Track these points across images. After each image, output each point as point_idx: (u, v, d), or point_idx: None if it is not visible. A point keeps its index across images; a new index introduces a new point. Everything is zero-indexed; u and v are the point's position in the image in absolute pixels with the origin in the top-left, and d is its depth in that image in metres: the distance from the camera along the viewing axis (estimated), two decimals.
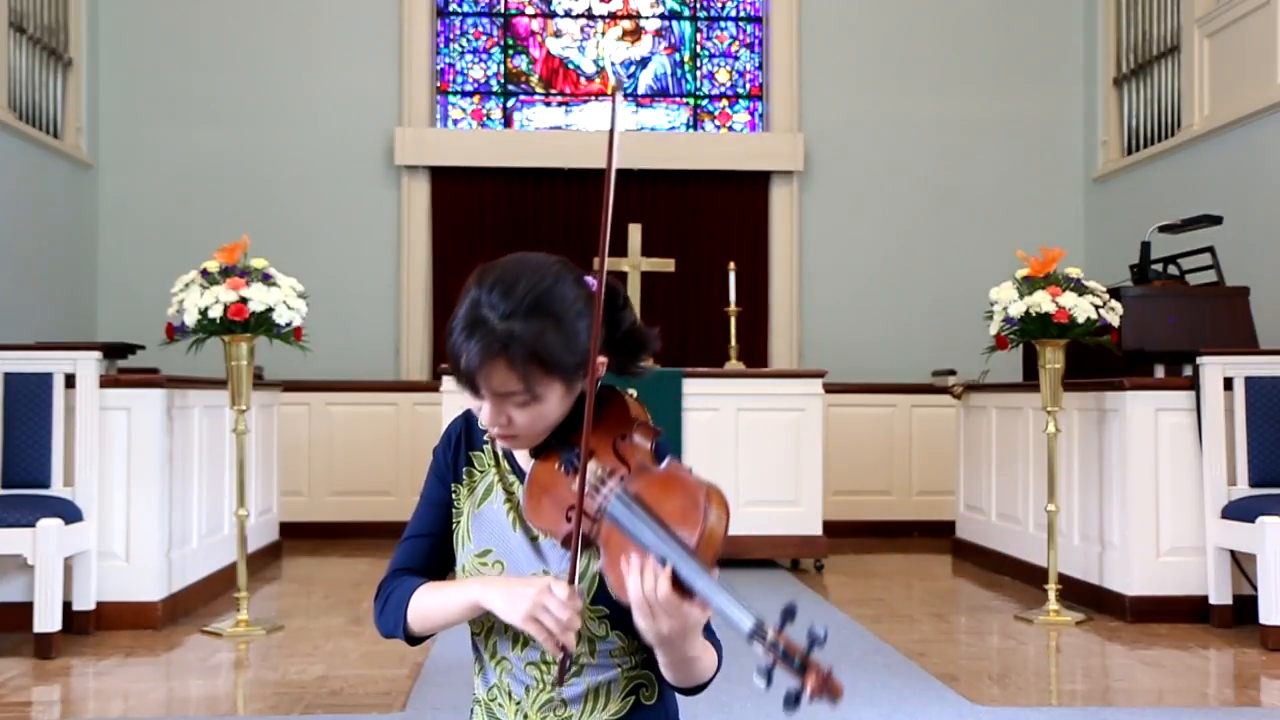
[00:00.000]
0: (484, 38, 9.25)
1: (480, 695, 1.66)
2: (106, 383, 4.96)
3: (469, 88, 9.24)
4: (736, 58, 9.35)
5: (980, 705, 3.85)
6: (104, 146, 8.69)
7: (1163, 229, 6.23)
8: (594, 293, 1.54)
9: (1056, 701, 4.01)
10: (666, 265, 7.26)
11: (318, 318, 5.96)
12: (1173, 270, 6.22)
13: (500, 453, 1.68)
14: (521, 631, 1.57)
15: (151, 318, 6.23)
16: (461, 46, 9.23)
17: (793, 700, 1.25)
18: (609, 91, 1.60)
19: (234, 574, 5.20)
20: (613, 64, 1.62)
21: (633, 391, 1.62)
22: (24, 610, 4.57)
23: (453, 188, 8.93)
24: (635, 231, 7.12)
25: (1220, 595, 5.05)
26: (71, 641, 4.66)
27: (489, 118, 9.23)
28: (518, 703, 1.61)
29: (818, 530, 6.48)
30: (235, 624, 4.93)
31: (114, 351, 6.06)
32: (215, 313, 4.69)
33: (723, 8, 9.35)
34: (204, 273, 4.79)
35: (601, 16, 9.31)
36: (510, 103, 9.25)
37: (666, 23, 9.36)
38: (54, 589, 4.47)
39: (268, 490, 6.91)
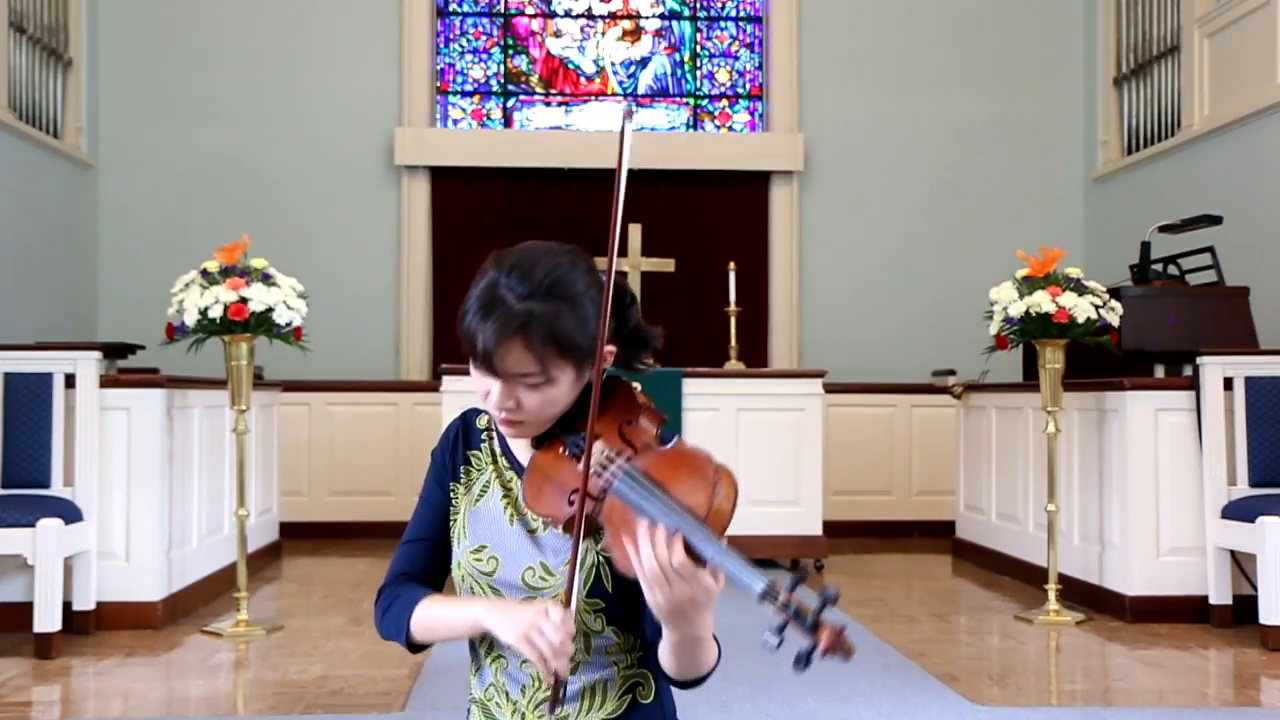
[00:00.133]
0: (484, 38, 9.25)
1: (477, 695, 1.66)
2: (106, 383, 4.96)
3: (469, 88, 9.24)
4: (736, 58, 9.35)
5: (980, 705, 3.85)
6: (104, 146, 8.69)
7: (1163, 229, 6.23)
8: (616, 277, 1.57)
9: (1056, 701, 4.01)
10: (666, 265, 7.26)
11: (318, 318, 5.96)
12: (1173, 270, 6.21)
13: (498, 450, 1.68)
14: None
15: (151, 318, 6.23)
16: (461, 46, 9.23)
17: (804, 659, 1.27)
18: (621, 121, 1.61)
19: (234, 574, 5.20)
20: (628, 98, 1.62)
21: (637, 385, 1.63)
22: (24, 610, 4.57)
23: (453, 188, 8.93)
24: (635, 231, 7.12)
25: (1220, 595, 5.05)
26: (71, 641, 4.66)
27: (489, 118, 9.23)
28: (514, 702, 1.61)
29: (818, 530, 6.47)
30: (235, 624, 4.93)
31: (114, 351, 6.05)
32: (215, 313, 4.69)
33: (723, 8, 9.35)
34: (204, 273, 4.79)
35: (601, 16, 9.32)
36: (510, 103, 9.25)
37: (666, 23, 9.36)
38: (54, 589, 4.47)
39: (268, 490, 6.91)
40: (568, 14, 9.30)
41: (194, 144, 8.74)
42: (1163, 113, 8.20)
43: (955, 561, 7.10)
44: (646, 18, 9.34)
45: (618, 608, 1.59)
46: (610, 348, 1.59)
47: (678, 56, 9.36)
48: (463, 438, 1.71)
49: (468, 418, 1.73)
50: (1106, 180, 8.90)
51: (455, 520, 1.67)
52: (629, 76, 9.31)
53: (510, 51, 9.27)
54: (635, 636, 1.62)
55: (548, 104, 9.27)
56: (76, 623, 4.77)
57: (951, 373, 7.90)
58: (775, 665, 4.33)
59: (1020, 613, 5.42)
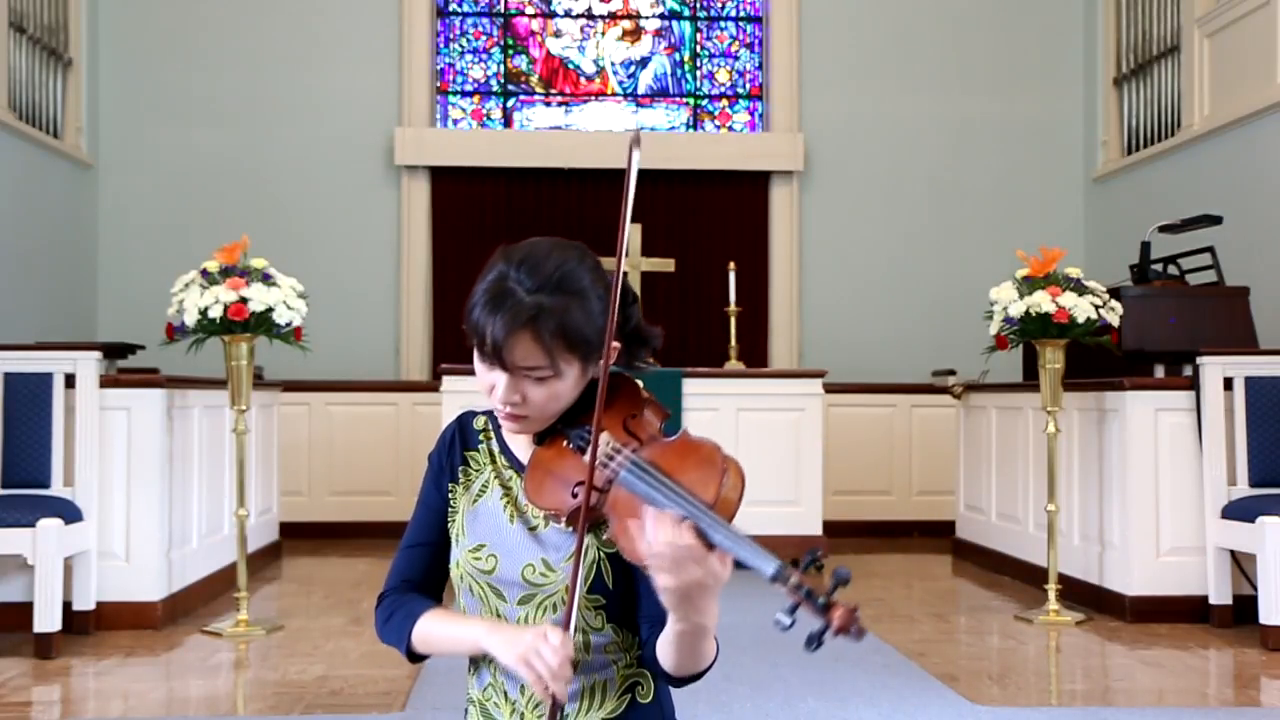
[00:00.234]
0: (484, 38, 9.25)
1: (474, 695, 1.66)
2: (106, 383, 4.96)
3: (469, 88, 9.24)
4: (736, 58, 9.35)
5: (980, 705, 3.85)
6: (104, 146, 8.69)
7: (1163, 229, 6.23)
8: (610, 277, 1.58)
9: (1056, 701, 4.01)
10: (666, 265, 7.26)
11: (318, 318, 5.96)
12: (1173, 270, 6.21)
13: (496, 449, 1.69)
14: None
15: (151, 318, 6.23)
16: (461, 46, 9.23)
17: (816, 639, 1.27)
18: (629, 145, 1.62)
19: (234, 574, 5.20)
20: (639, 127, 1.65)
21: (639, 382, 1.64)
22: (24, 610, 4.57)
23: (453, 188, 8.93)
24: (635, 231, 7.13)
25: (1220, 595, 5.05)
26: (71, 641, 4.66)
27: (489, 118, 9.23)
28: (513, 702, 1.61)
29: (818, 530, 6.48)
30: (235, 624, 4.93)
31: (114, 351, 6.05)
32: (215, 313, 4.69)
33: (723, 8, 9.35)
34: (204, 273, 4.79)
35: (601, 16, 9.32)
36: (510, 103, 9.25)
37: (666, 23, 9.36)
38: (54, 589, 4.47)
39: (268, 490, 6.91)
40: (568, 14, 9.31)
41: (194, 144, 8.74)
42: (1163, 113, 8.20)
43: (955, 561, 7.11)
44: (646, 18, 9.35)
45: (617, 605, 1.60)
46: (615, 344, 1.59)
47: (678, 56, 9.36)
48: (459, 439, 1.71)
49: (463, 420, 1.73)
50: (1106, 180, 8.90)
51: (454, 520, 1.67)
52: (629, 76, 9.31)
53: (510, 51, 9.27)
54: (634, 634, 1.63)
55: (548, 104, 9.27)
56: (76, 623, 4.77)
57: (951, 373, 7.90)
58: (775, 665, 4.33)
59: (1020, 613, 5.42)
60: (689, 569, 1.35)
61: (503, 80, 9.26)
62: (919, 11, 9.11)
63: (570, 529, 1.53)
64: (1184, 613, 5.17)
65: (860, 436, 8.21)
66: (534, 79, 9.29)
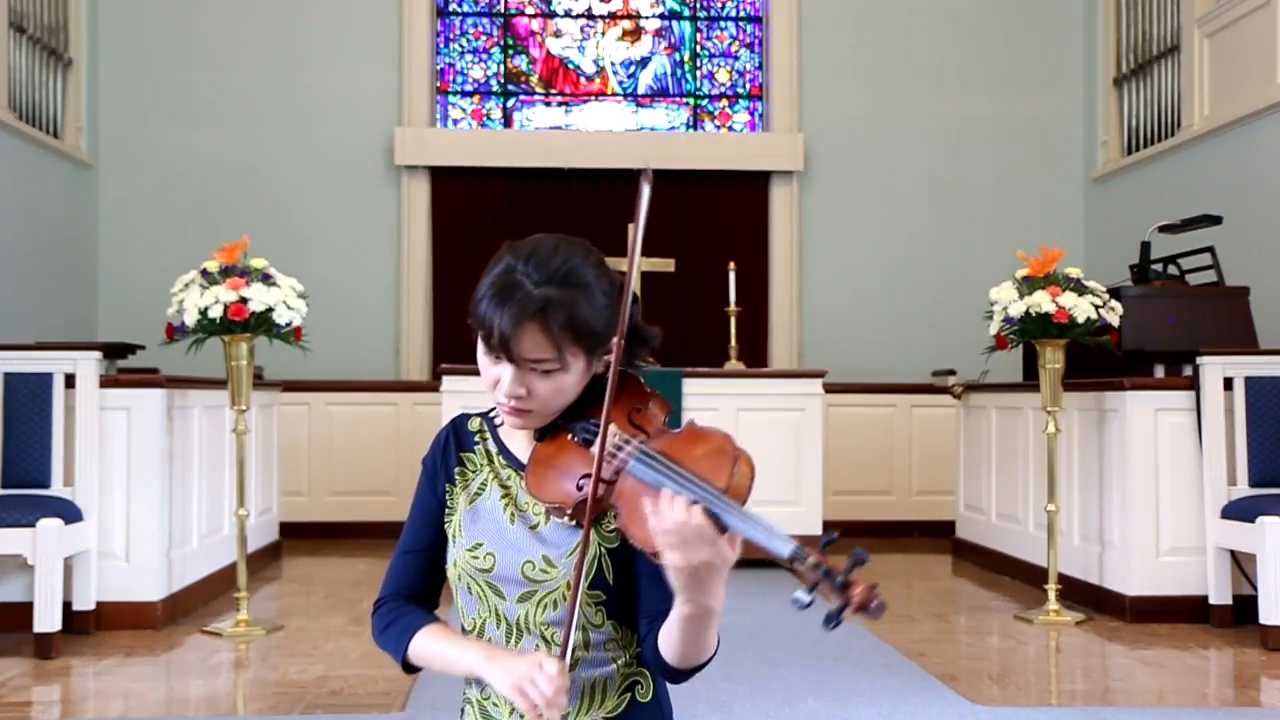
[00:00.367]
0: (484, 38, 9.25)
1: (473, 696, 1.66)
2: (106, 383, 4.96)
3: (469, 88, 9.24)
4: (736, 58, 9.35)
5: (980, 705, 3.85)
6: (104, 146, 8.69)
7: (1163, 229, 6.23)
8: (614, 272, 1.61)
9: (1056, 701, 4.01)
10: (666, 265, 7.26)
11: (318, 318, 5.95)
12: (1173, 270, 6.21)
13: (493, 450, 1.69)
14: (516, 627, 1.59)
15: (151, 318, 6.23)
16: (461, 46, 9.23)
17: (834, 617, 1.29)
18: (639, 177, 1.64)
19: (234, 574, 5.20)
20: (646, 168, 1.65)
21: (641, 378, 1.64)
22: (24, 610, 4.57)
23: (453, 188, 8.93)
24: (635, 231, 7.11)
25: (1220, 595, 5.05)
26: (71, 641, 4.66)
27: (489, 118, 9.23)
28: (512, 702, 1.61)
29: (818, 530, 6.47)
30: (235, 624, 4.93)
31: (114, 351, 6.05)
32: (215, 313, 4.69)
33: (723, 8, 9.35)
34: (204, 273, 4.79)
35: (601, 16, 9.32)
36: (510, 103, 9.25)
37: (666, 23, 9.36)
38: (54, 589, 4.47)
39: (268, 490, 6.91)
40: (568, 14, 9.31)
41: (194, 144, 8.74)
42: (1163, 113, 8.20)
43: (955, 561, 7.11)
44: (646, 18, 9.34)
45: (617, 601, 1.60)
46: (616, 340, 1.60)
47: (678, 56, 9.36)
48: (454, 441, 1.71)
49: (457, 423, 1.74)
50: (1106, 180, 8.90)
51: (450, 520, 1.67)
52: (629, 76, 9.31)
53: (510, 51, 9.27)
54: (632, 632, 1.63)
55: (548, 104, 9.27)
56: (76, 623, 4.77)
57: (951, 373, 7.90)
58: (775, 665, 4.33)
59: (1020, 613, 5.42)
60: (699, 549, 1.36)
61: (503, 80, 9.26)
62: (919, 12, 9.11)
63: (574, 523, 1.54)
64: (1184, 613, 5.17)
65: (860, 436, 8.21)
66: (534, 79, 9.29)
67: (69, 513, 4.61)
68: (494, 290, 1.54)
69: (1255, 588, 4.85)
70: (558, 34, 9.30)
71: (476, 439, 1.71)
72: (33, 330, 7.26)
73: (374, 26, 8.89)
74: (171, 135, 8.73)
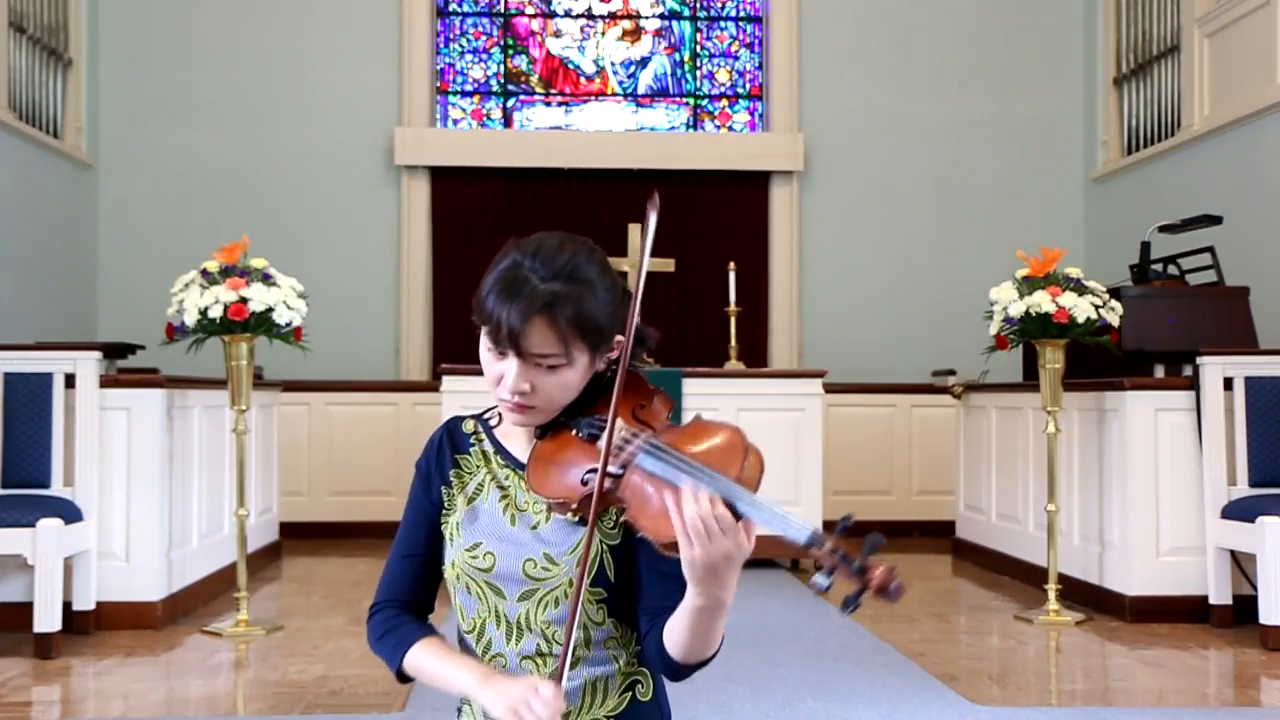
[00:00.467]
0: (484, 38, 9.25)
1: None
2: (106, 383, 4.96)
3: (469, 88, 9.24)
4: (736, 58, 9.35)
5: (980, 705, 3.85)
6: (104, 146, 8.69)
7: (1163, 229, 6.23)
8: (615, 272, 1.63)
9: (1056, 701, 4.01)
10: (666, 265, 7.24)
11: (318, 318, 5.95)
12: (1173, 270, 6.21)
13: (490, 450, 1.69)
14: (517, 627, 1.59)
15: (151, 318, 6.23)
16: (461, 46, 9.23)
17: (853, 601, 1.30)
18: (647, 206, 1.66)
19: (234, 574, 5.20)
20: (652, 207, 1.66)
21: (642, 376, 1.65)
22: (24, 610, 4.57)
23: (453, 188, 8.93)
24: (635, 231, 7.12)
25: (1220, 595, 5.05)
26: (71, 641, 4.66)
27: (489, 118, 9.23)
28: None
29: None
30: (235, 624, 4.93)
31: (114, 351, 6.05)
32: (215, 313, 4.69)
33: (723, 8, 9.35)
34: (204, 273, 4.79)
35: (601, 16, 9.32)
36: (510, 103, 9.25)
37: (666, 23, 9.36)
38: (54, 589, 4.47)
39: (268, 490, 6.91)
40: (568, 14, 9.30)
41: (194, 144, 8.74)
42: (1163, 113, 8.20)
43: (955, 561, 7.10)
44: (646, 18, 9.34)
45: (618, 598, 1.60)
46: (619, 338, 1.62)
47: (678, 56, 9.35)
48: (449, 443, 1.72)
49: (451, 425, 1.74)
50: (1106, 180, 8.90)
51: (447, 521, 1.67)
52: (629, 76, 9.31)
53: (510, 51, 9.27)
54: (632, 630, 1.63)
55: (548, 104, 9.27)
56: (76, 623, 4.77)
57: (951, 373, 7.90)
58: (775, 665, 4.33)
59: (1020, 613, 5.42)
60: (720, 541, 1.36)
61: (503, 80, 9.26)
62: (919, 11, 9.11)
63: (576, 519, 1.54)
64: (1184, 613, 5.17)
65: (860, 436, 8.21)
66: (534, 79, 9.29)
67: (69, 513, 4.61)
68: (501, 285, 1.54)
69: (1255, 588, 4.85)
70: (558, 34, 9.30)
71: (472, 440, 1.71)
72: (33, 330, 7.25)
73: (374, 26, 8.89)
74: (171, 135, 8.73)
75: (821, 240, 9.05)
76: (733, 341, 7.07)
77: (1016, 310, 5.14)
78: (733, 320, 7.08)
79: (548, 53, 9.29)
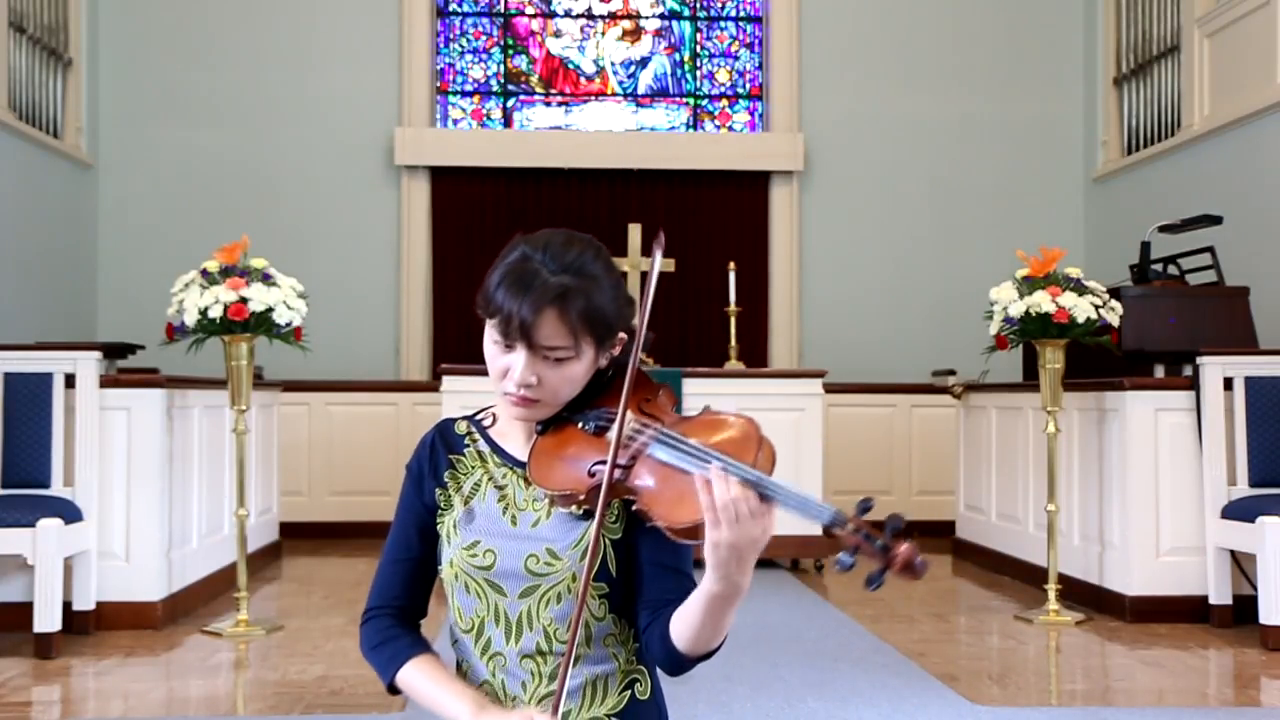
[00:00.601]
0: (484, 38, 9.25)
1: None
2: (106, 383, 4.96)
3: (469, 88, 9.24)
4: (736, 58, 9.34)
5: (980, 705, 3.85)
6: (104, 146, 8.69)
7: (1163, 229, 6.23)
8: (619, 269, 1.65)
9: (1056, 701, 4.01)
10: (666, 265, 7.24)
11: (318, 318, 5.95)
12: (1173, 270, 6.21)
13: (486, 450, 1.69)
14: (518, 624, 1.59)
15: (151, 318, 6.23)
16: (461, 46, 9.23)
17: (876, 578, 1.34)
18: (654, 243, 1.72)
19: (234, 574, 5.20)
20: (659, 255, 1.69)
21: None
22: (24, 610, 4.57)
23: (453, 188, 8.93)
24: (635, 231, 7.12)
25: (1220, 595, 5.05)
26: (71, 641, 4.66)
27: (489, 118, 9.23)
28: (514, 698, 1.61)
29: (817, 530, 6.43)
30: (235, 624, 4.93)
31: (114, 351, 6.05)
32: (215, 313, 4.69)
33: (723, 8, 9.34)
34: (204, 273, 4.79)
35: (601, 16, 9.32)
36: (510, 103, 9.25)
37: (666, 23, 9.35)
38: (54, 589, 4.47)
39: (268, 490, 6.91)
40: (568, 14, 9.30)
41: (194, 144, 8.74)
42: (1163, 113, 8.19)
43: (955, 561, 7.10)
44: (646, 18, 9.34)
45: (619, 593, 1.60)
46: (622, 335, 1.63)
47: (678, 56, 9.35)
48: (442, 443, 1.71)
49: (443, 426, 1.74)
50: (1106, 180, 8.90)
51: (443, 521, 1.67)
52: (629, 76, 9.31)
53: (510, 51, 9.27)
54: (631, 627, 1.63)
55: (548, 104, 9.27)
56: (76, 623, 4.77)
57: (951, 373, 7.90)
58: (775, 665, 4.33)
59: (1020, 613, 5.42)
60: (747, 524, 1.38)
61: (503, 80, 9.26)
62: (919, 11, 9.11)
63: (581, 511, 1.55)
64: (1184, 613, 5.17)
65: (860, 436, 8.21)
66: (534, 79, 9.29)
67: (69, 513, 4.61)
68: (512, 278, 1.55)
69: (1255, 588, 4.84)
70: (558, 34, 9.30)
71: (466, 441, 1.70)
72: (33, 330, 7.25)
73: (374, 26, 8.89)
74: (171, 135, 8.73)
75: (821, 240, 9.05)
76: (733, 341, 7.07)
77: (1016, 310, 5.14)
78: (733, 320, 7.08)
79: (548, 53, 9.29)
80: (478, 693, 1.61)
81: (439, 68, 9.16)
